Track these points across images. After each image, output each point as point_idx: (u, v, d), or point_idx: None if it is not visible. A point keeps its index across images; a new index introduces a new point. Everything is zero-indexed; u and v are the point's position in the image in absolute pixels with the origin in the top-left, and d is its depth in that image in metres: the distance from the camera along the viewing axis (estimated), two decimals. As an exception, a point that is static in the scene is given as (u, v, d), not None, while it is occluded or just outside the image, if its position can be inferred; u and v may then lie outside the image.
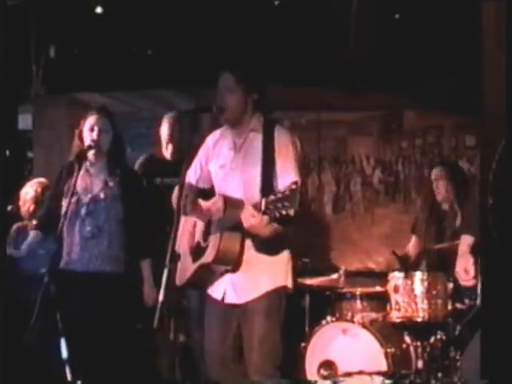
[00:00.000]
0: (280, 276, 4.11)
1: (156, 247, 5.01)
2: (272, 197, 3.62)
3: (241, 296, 4.08)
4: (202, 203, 4.18)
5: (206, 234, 4.08)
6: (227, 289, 4.10)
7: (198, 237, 4.15)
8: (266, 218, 3.69)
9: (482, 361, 3.48)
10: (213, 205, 4.07)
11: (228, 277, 4.09)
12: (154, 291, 4.90)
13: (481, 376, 3.51)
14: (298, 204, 3.54)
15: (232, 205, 3.93)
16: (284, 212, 3.56)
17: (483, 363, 3.46)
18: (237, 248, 3.98)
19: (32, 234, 5.26)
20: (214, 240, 3.99)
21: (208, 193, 4.22)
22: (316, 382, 5.60)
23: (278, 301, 4.10)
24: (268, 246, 4.03)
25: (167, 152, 5.78)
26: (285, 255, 4.15)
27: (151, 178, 5.64)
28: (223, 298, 4.11)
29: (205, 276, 4.15)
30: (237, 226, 3.87)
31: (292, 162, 4.03)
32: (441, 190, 6.09)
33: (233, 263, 4.01)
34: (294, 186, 3.58)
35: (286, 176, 3.92)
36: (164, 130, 5.77)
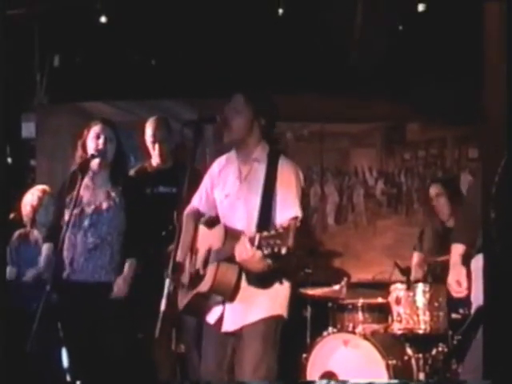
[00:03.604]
0: (277, 306, 4.05)
1: (147, 252, 5.02)
2: (265, 233, 3.56)
3: (236, 323, 4.01)
4: (205, 231, 4.15)
5: (206, 262, 4.01)
6: (224, 316, 4.04)
7: (199, 264, 4.08)
8: (258, 253, 3.62)
9: (484, 361, 3.45)
10: (214, 233, 4.02)
11: (225, 305, 4.03)
12: (125, 284, 4.89)
13: (483, 376, 3.49)
14: (292, 241, 3.47)
15: (232, 236, 3.86)
16: (276, 250, 3.50)
17: (485, 363, 3.43)
18: (233, 280, 3.90)
19: (46, 246, 5.23)
20: (211, 270, 3.92)
21: (212, 221, 4.18)
22: (312, 382, 5.58)
23: (274, 327, 4.02)
24: (263, 280, 3.95)
25: (155, 154, 5.70)
26: (283, 287, 4.07)
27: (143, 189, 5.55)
28: (219, 325, 4.05)
29: (201, 304, 4.08)
30: (232, 258, 3.80)
31: (294, 196, 3.95)
32: (442, 208, 6.07)
33: (228, 294, 3.95)
34: (288, 224, 3.52)
35: (286, 210, 3.86)
36: (148, 132, 5.72)
